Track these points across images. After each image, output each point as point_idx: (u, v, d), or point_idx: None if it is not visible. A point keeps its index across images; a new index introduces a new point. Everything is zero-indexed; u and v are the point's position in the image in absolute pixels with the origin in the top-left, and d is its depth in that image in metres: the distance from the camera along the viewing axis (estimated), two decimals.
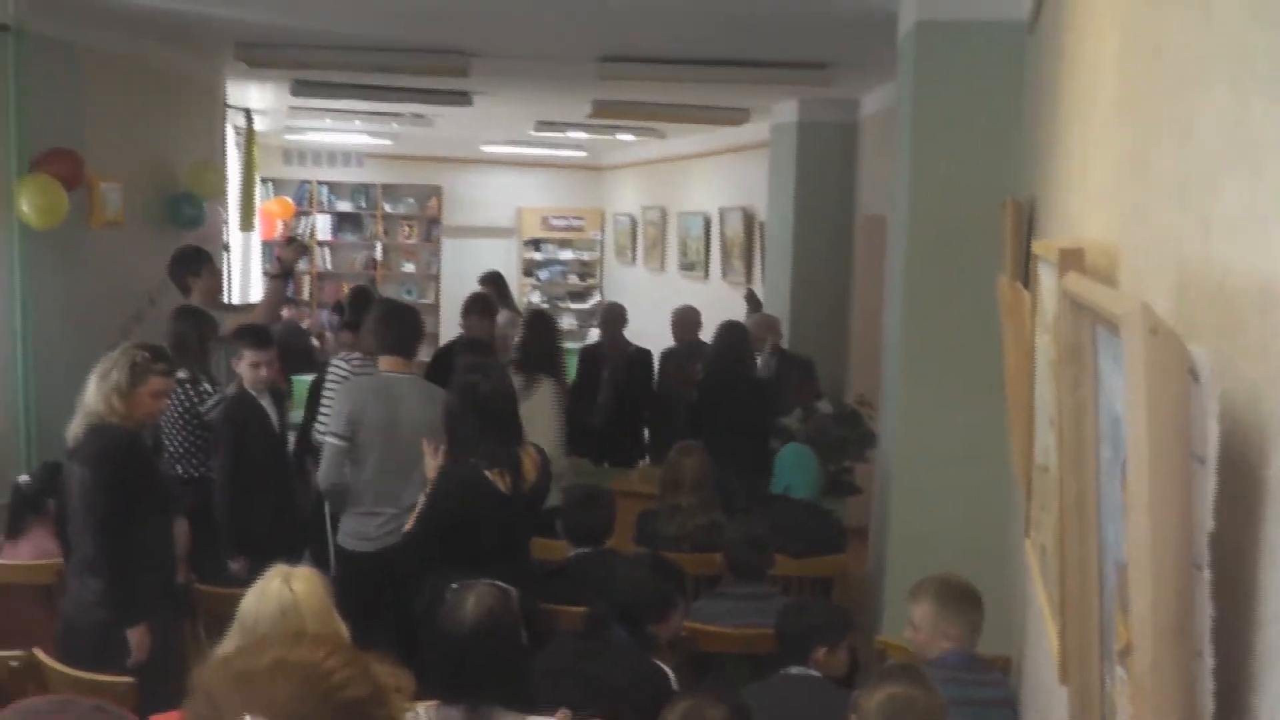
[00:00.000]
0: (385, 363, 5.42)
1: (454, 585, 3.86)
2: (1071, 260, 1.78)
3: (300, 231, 14.67)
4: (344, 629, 3.15)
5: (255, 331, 5.85)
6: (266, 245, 13.98)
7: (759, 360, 7.74)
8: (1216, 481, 0.96)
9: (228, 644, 3.15)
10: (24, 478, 5.30)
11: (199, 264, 6.89)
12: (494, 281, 9.65)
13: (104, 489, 4.32)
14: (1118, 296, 1.23)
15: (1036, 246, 2.60)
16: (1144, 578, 0.97)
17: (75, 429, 4.45)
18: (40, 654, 4.01)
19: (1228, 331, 1.15)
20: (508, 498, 4.66)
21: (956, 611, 3.79)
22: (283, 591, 3.08)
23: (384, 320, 5.49)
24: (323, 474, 5.34)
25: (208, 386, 5.85)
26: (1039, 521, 2.63)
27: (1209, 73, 1.32)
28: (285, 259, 7.31)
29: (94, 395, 4.42)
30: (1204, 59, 1.35)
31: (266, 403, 5.70)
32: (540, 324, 7.40)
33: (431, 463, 4.80)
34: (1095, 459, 1.38)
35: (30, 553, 5.04)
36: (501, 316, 9.64)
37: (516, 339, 7.57)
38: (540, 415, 6.38)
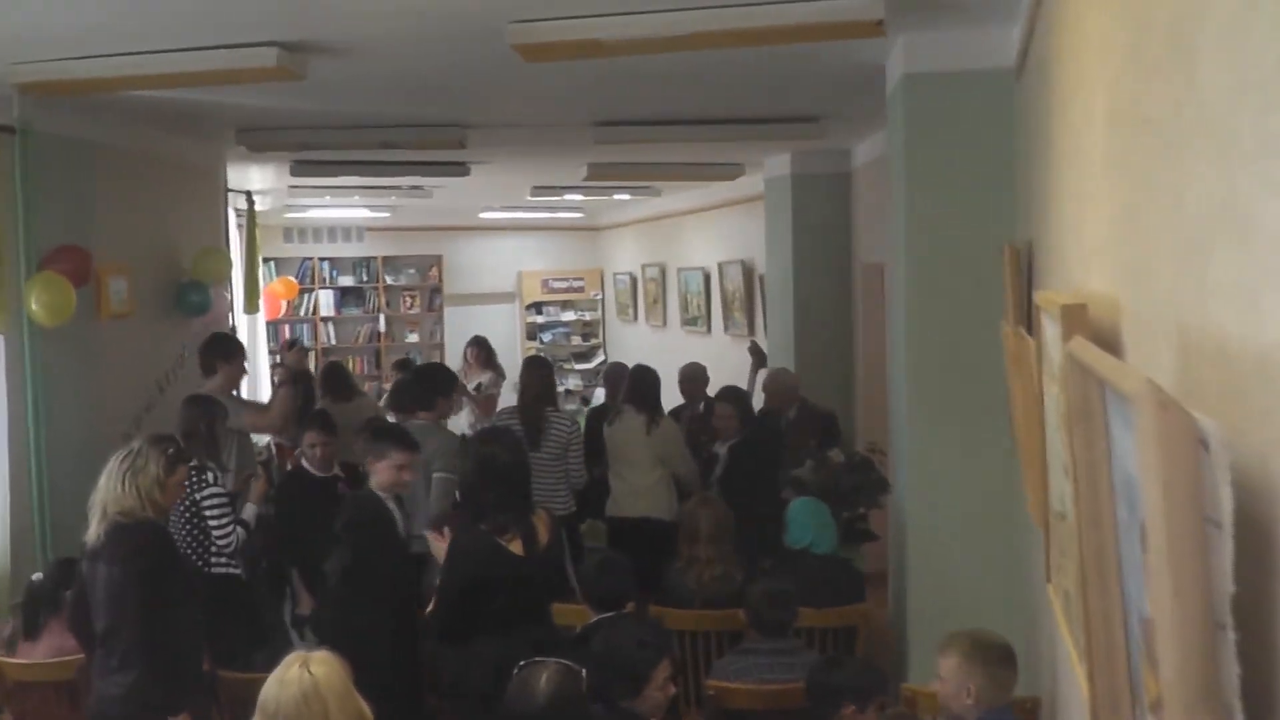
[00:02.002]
0: None
1: (522, 664, 3.82)
2: (1075, 318, 1.84)
3: (300, 339, 14.79)
4: (366, 710, 3.18)
5: (399, 433, 5.61)
6: (271, 325, 14.07)
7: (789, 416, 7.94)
8: (1234, 544, 1.01)
9: None
10: (38, 576, 5.33)
11: (233, 351, 7.29)
12: (479, 344, 10.30)
13: (140, 584, 4.37)
14: (1126, 371, 1.29)
15: (1039, 298, 2.66)
16: (1170, 640, 1.02)
17: (96, 528, 4.49)
18: None
19: (1231, 397, 1.20)
20: (523, 560, 4.71)
21: (983, 668, 3.76)
22: (303, 676, 3.11)
23: None
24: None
25: (210, 475, 5.86)
26: (1060, 567, 2.67)
27: (1195, 144, 1.37)
28: (291, 364, 7.45)
29: (123, 491, 4.47)
30: (1190, 131, 1.40)
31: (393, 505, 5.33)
32: (644, 376, 7.60)
33: (440, 546, 4.87)
34: (1112, 516, 1.43)
35: (48, 651, 5.04)
36: (485, 378, 9.85)
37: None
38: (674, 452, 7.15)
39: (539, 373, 7.41)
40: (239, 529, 5.87)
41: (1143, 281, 1.72)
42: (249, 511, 6.02)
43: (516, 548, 4.70)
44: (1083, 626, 2.03)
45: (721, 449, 7.39)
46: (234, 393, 7.52)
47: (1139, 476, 1.12)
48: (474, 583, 4.63)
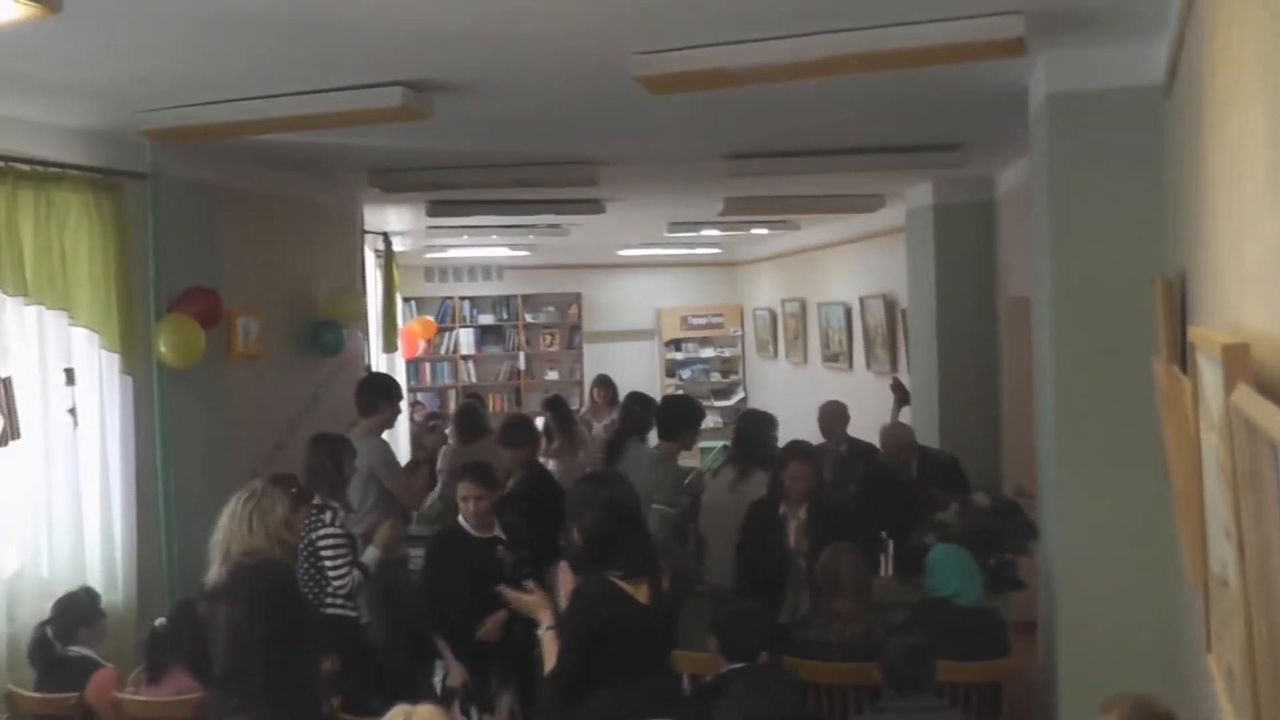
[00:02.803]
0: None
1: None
2: (1237, 361, 1.59)
3: (439, 421, 14.93)
4: None
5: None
6: (411, 364, 14.17)
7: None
8: None
9: None
10: (161, 620, 5.31)
11: (396, 393, 7.25)
12: (604, 384, 10.70)
13: (265, 623, 4.35)
14: None
15: (1194, 335, 2.39)
16: None
17: (219, 569, 4.46)
18: None
19: None
20: (650, 609, 4.49)
21: None
22: None
23: None
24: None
25: (328, 515, 5.80)
26: (1222, 638, 2.39)
27: None
28: (430, 446, 7.43)
29: (250, 531, 4.46)
30: None
31: None
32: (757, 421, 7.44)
33: (527, 599, 4.71)
34: None
35: (170, 692, 5.03)
36: (613, 416, 9.92)
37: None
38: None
39: (633, 406, 7.65)
40: (356, 572, 5.79)
41: None
42: (370, 555, 5.93)
43: (642, 595, 4.48)
44: (1251, 708, 1.77)
45: (794, 515, 6.42)
46: (385, 436, 7.48)
47: None
48: (602, 634, 4.39)
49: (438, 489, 8.58)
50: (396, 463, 7.25)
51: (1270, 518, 1.21)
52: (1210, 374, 2.03)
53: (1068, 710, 5.00)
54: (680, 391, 17.33)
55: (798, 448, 6.80)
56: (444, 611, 5.81)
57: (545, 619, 4.50)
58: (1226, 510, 1.91)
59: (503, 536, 5.95)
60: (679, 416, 7.16)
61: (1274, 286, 1.82)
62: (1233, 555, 1.87)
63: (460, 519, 5.99)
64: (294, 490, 4.63)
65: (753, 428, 7.30)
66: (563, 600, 4.64)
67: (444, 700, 5.83)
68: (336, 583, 5.73)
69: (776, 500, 6.43)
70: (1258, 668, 1.46)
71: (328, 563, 5.73)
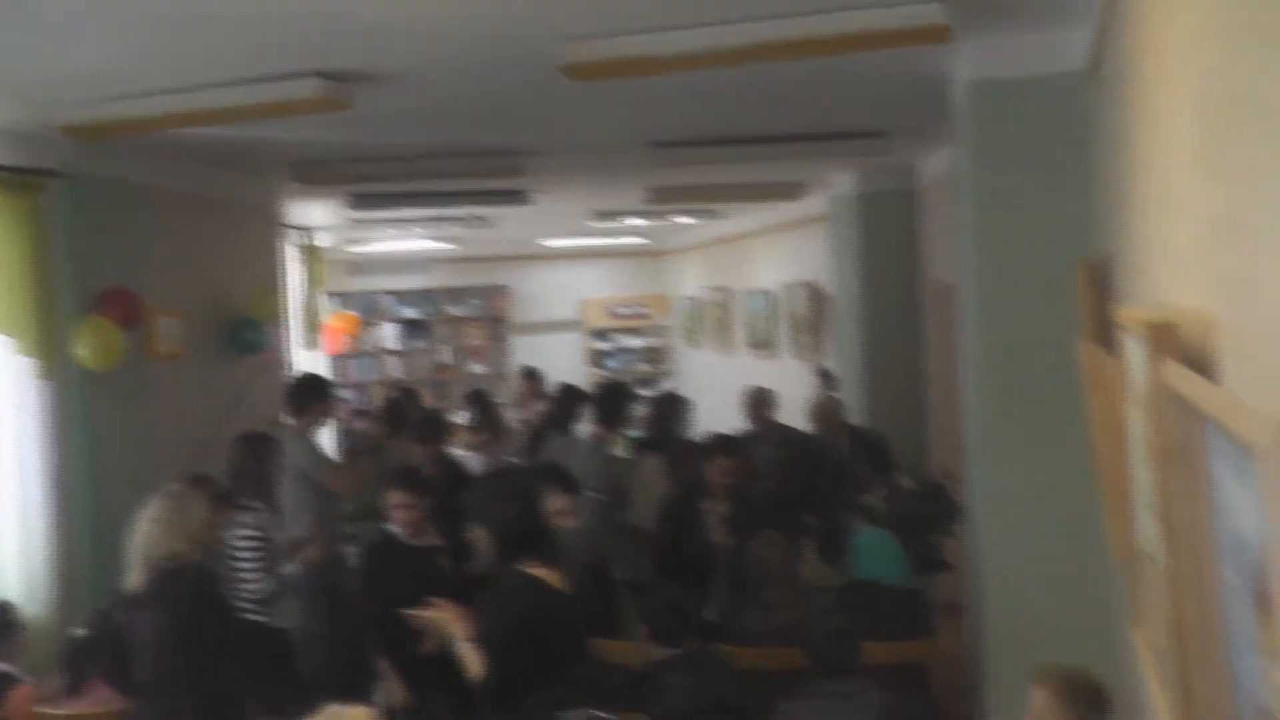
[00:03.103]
0: None
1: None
2: (1164, 339, 1.60)
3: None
4: None
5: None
6: (335, 360, 14.01)
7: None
8: None
9: None
10: (78, 631, 5.18)
11: (325, 393, 7.16)
12: (531, 375, 10.56)
13: (188, 629, 4.23)
14: (1244, 412, 1.04)
15: (1121, 316, 2.41)
16: None
17: (139, 575, 4.36)
18: None
19: None
20: (567, 596, 4.46)
21: (1075, 711, 3.54)
22: None
23: None
24: None
25: (249, 516, 5.63)
26: (1147, 614, 2.42)
27: None
28: (375, 436, 7.32)
29: (172, 535, 4.35)
30: None
31: None
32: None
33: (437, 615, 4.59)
34: (1216, 581, 1.20)
35: (91, 703, 4.90)
36: (540, 408, 9.88)
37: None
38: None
39: (564, 397, 7.73)
40: (270, 578, 5.62)
41: (1246, 293, 1.47)
42: (290, 571, 5.77)
43: (558, 582, 4.45)
44: (1179, 686, 1.79)
45: (715, 509, 6.43)
46: (318, 436, 7.41)
47: (1259, 539, 0.89)
48: (527, 624, 4.35)
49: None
50: (325, 457, 7.16)
51: (1199, 496, 1.22)
52: (1137, 353, 2.05)
53: (995, 689, 5.04)
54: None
55: (724, 442, 6.81)
56: (382, 626, 5.38)
57: (459, 632, 4.39)
58: (1152, 488, 1.93)
59: (441, 543, 5.67)
60: (616, 403, 7.14)
61: (1201, 268, 1.84)
62: (1159, 533, 1.88)
63: (391, 525, 5.68)
64: (214, 491, 4.52)
65: (668, 409, 7.35)
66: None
67: None
68: (249, 586, 5.54)
69: (695, 493, 6.43)
70: (1186, 643, 1.47)
71: (242, 564, 5.57)
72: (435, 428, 7.44)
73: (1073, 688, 3.60)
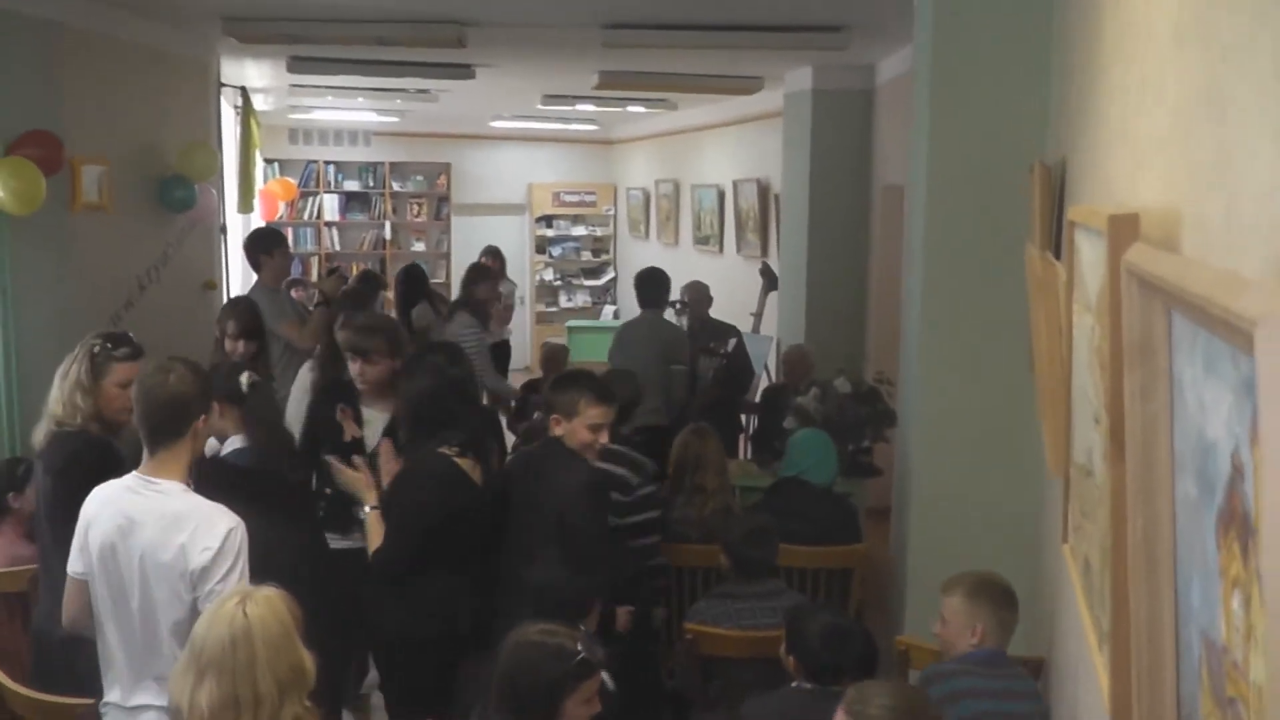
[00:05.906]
0: None
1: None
2: (1126, 229, 1.46)
3: (339, 264, 14.47)
4: (308, 662, 2.83)
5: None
6: (270, 226, 13.70)
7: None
8: None
9: (176, 668, 2.87)
10: None
11: (273, 244, 7.20)
12: (495, 254, 10.30)
13: (65, 504, 3.93)
14: (1239, 284, 0.87)
15: (1074, 213, 2.27)
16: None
17: (39, 433, 4.13)
18: None
19: None
20: (483, 490, 4.28)
21: (988, 608, 3.60)
22: (235, 616, 2.76)
23: None
24: None
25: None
26: (1080, 528, 2.32)
27: None
28: (327, 291, 7.10)
29: (55, 398, 4.07)
30: None
31: None
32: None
33: (360, 476, 4.37)
34: (1171, 492, 1.07)
35: (3, 559, 4.71)
36: (504, 286, 9.64)
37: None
38: None
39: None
40: None
41: (1222, 177, 1.32)
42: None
43: (475, 475, 4.25)
44: (1108, 605, 1.68)
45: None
46: (280, 289, 7.39)
47: (1236, 442, 0.76)
48: (436, 513, 4.17)
49: None
50: (281, 307, 6.99)
51: (1160, 396, 1.09)
52: (1091, 250, 1.91)
53: (915, 597, 5.01)
54: (550, 268, 17.17)
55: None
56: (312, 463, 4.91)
57: (370, 499, 4.26)
58: (1098, 395, 1.81)
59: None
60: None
61: (1171, 156, 1.70)
62: (1100, 442, 1.77)
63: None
64: (98, 349, 4.11)
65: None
66: (385, 479, 4.38)
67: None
68: None
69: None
70: (1130, 572, 1.35)
71: None
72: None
73: (983, 586, 3.65)
